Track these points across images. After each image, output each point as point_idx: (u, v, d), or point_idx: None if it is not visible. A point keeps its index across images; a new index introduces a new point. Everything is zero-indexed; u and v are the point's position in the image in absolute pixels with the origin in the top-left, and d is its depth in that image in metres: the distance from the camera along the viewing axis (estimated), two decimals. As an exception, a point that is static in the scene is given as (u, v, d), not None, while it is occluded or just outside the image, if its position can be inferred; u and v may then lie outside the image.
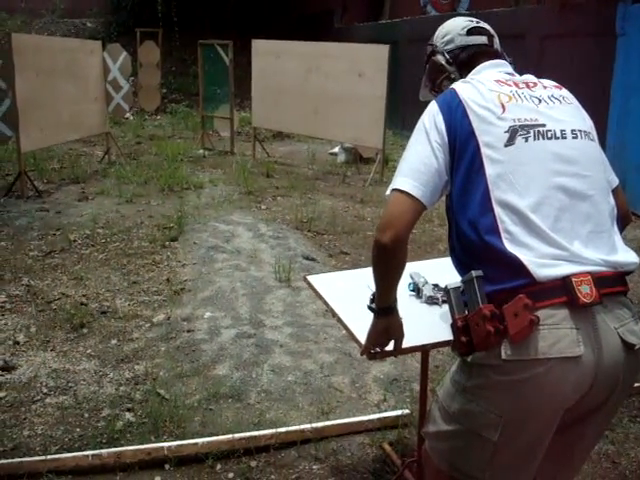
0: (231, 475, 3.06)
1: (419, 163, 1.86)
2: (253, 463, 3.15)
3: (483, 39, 2.18)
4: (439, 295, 2.62)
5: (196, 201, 8.12)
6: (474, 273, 1.72)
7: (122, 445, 3.22)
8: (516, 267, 1.69)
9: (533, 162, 1.81)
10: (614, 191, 1.99)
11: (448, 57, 2.18)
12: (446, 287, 1.82)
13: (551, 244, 1.72)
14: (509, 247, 1.72)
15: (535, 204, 1.75)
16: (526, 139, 1.83)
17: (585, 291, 1.66)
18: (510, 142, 1.82)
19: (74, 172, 9.30)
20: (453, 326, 1.79)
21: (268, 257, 6.02)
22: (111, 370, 3.98)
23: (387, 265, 1.91)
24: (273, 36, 11.69)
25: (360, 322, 2.30)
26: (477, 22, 2.22)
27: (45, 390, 3.73)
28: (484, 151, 1.81)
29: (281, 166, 10.61)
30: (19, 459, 3.07)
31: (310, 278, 2.93)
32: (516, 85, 1.98)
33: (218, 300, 5.03)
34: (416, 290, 2.70)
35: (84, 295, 5.08)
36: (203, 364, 4.05)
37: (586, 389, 1.70)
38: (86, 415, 3.52)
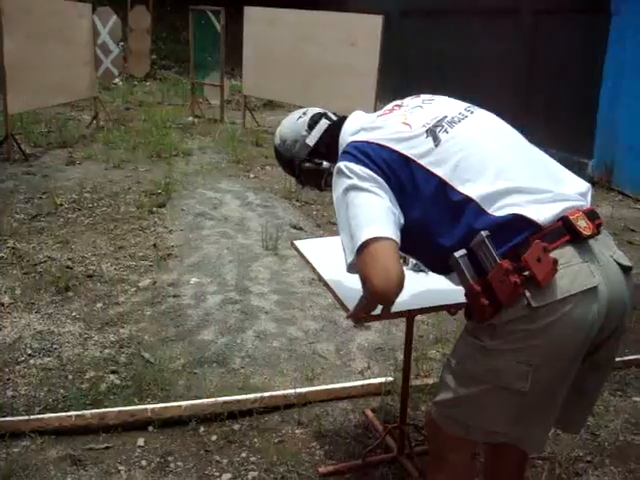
0: (214, 438, 3.08)
1: (371, 210, 1.85)
2: (236, 426, 3.16)
3: (324, 123, 2.29)
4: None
5: (184, 168, 8.08)
6: (483, 233, 1.72)
7: (106, 407, 3.22)
8: (518, 222, 1.73)
9: (466, 144, 1.88)
10: None
11: (313, 159, 2.28)
12: (453, 256, 1.77)
13: (531, 192, 1.78)
14: (500, 213, 1.75)
15: (497, 172, 1.81)
16: (446, 131, 1.91)
17: (583, 225, 1.73)
18: (436, 141, 1.89)
19: (62, 136, 9.23)
20: (470, 293, 1.76)
21: (255, 225, 6.01)
22: (96, 333, 3.97)
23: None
24: (266, 3, 11.55)
25: (346, 287, 2.31)
26: (304, 112, 2.35)
27: (29, 351, 3.73)
28: (422, 162, 1.87)
29: (271, 135, 10.48)
30: (2, 419, 3.07)
31: (297, 243, 2.93)
32: (393, 110, 2.08)
33: (204, 266, 5.02)
34: (402, 257, 2.70)
35: (70, 259, 5.06)
36: (188, 329, 4.06)
37: (604, 316, 1.74)
38: (70, 377, 3.52)
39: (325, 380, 3.58)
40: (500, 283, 1.69)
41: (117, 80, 13.99)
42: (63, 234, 5.59)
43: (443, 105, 2.04)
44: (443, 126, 1.92)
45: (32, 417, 3.07)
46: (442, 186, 1.83)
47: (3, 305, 4.24)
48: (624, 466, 3.02)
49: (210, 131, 10.54)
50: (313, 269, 2.67)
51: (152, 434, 3.09)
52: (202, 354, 3.76)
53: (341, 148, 2.10)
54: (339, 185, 1.94)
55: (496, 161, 1.84)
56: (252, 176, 7.97)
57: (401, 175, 1.87)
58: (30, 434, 2.98)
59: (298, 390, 3.35)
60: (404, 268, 2.64)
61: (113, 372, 3.57)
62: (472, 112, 2.01)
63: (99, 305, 4.33)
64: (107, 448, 2.98)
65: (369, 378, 3.59)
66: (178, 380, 3.51)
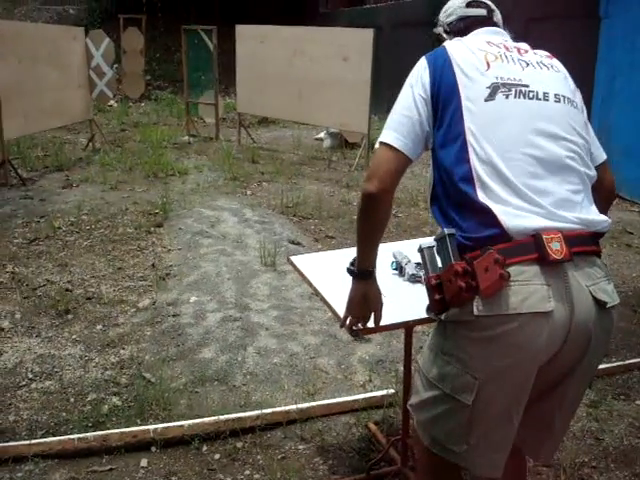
0: (217, 456, 3.07)
1: (401, 116, 1.92)
2: (239, 444, 3.15)
3: (482, 11, 2.24)
4: (422, 273, 2.62)
5: (181, 187, 8.10)
6: (446, 231, 1.75)
7: (108, 429, 3.22)
8: (487, 217, 1.72)
9: (511, 118, 1.84)
10: (600, 166, 2.04)
11: (446, 27, 2.25)
12: (420, 246, 1.84)
13: (523, 198, 1.74)
14: (481, 197, 1.74)
15: (510, 159, 1.78)
16: (507, 96, 1.86)
17: (555, 247, 1.68)
18: (490, 97, 1.85)
19: (58, 159, 9.25)
20: (427, 285, 1.81)
21: (253, 242, 6.01)
22: (96, 355, 3.97)
23: (371, 216, 1.94)
24: (258, 21, 11.63)
25: (344, 301, 2.31)
26: None
27: (30, 375, 3.72)
28: (465, 104, 1.85)
29: (266, 152, 10.59)
30: (4, 443, 3.06)
31: (294, 258, 2.94)
32: (506, 48, 2.01)
33: (204, 284, 5.02)
34: (399, 269, 2.71)
35: (69, 281, 5.06)
36: (189, 348, 4.05)
37: (559, 345, 1.71)
38: (72, 400, 3.51)
39: (327, 394, 3.58)
40: (449, 283, 1.71)
41: (112, 102, 14.03)
42: (62, 257, 5.60)
43: (541, 78, 1.94)
44: (510, 90, 1.87)
45: (34, 441, 3.07)
46: (460, 133, 1.83)
47: (3, 330, 4.24)
48: (629, 470, 3.02)
49: (206, 149, 10.58)
50: (310, 284, 2.68)
51: (155, 454, 3.08)
52: (203, 372, 3.75)
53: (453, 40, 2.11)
54: (412, 71, 2.00)
55: (519, 152, 1.79)
56: (249, 193, 7.99)
57: (445, 101, 1.89)
58: (33, 458, 2.98)
59: (300, 406, 3.35)
60: (400, 279, 2.68)
61: (114, 394, 3.56)
62: (557, 101, 1.91)
63: (99, 327, 4.33)
64: (110, 470, 2.98)
65: (371, 391, 3.58)
66: (180, 399, 3.51)
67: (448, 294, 1.72)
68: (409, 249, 2.82)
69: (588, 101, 8.13)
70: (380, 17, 13.90)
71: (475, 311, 1.68)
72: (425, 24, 2.35)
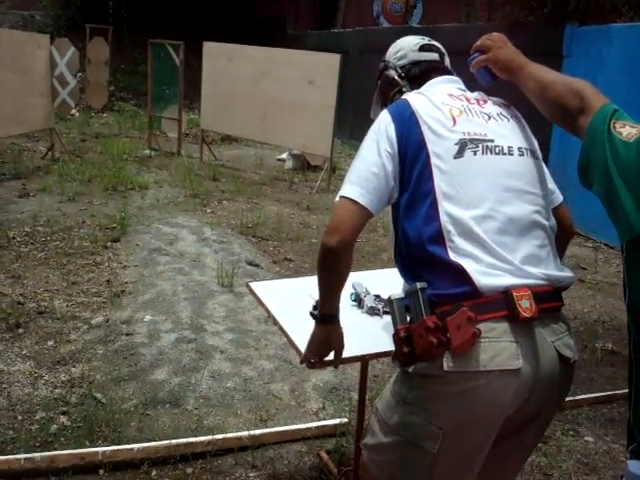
0: (166, 481, 3.03)
1: (366, 171, 1.90)
2: (189, 470, 3.12)
3: (435, 56, 2.24)
4: (380, 306, 2.64)
5: (140, 202, 8.03)
6: (418, 285, 1.75)
7: (56, 449, 3.16)
8: (459, 275, 1.73)
9: (480, 175, 1.86)
10: (558, 207, 2.09)
11: (400, 71, 2.23)
12: (389, 298, 1.85)
13: (494, 255, 1.76)
14: (453, 256, 1.76)
15: (480, 217, 1.80)
16: (475, 152, 1.88)
17: (525, 306, 1.70)
18: (459, 154, 1.86)
19: (16, 167, 9.12)
20: (395, 336, 1.80)
21: (211, 261, 5.98)
22: (47, 372, 3.90)
23: (332, 269, 1.94)
24: (226, 38, 11.64)
25: (301, 331, 2.31)
26: (429, 40, 2.29)
27: (-23, 391, 3.64)
28: (434, 161, 1.85)
29: (228, 170, 10.56)
30: (-53, 462, 2.99)
31: (252, 285, 2.93)
32: (467, 100, 2.03)
33: (159, 303, 4.97)
34: (358, 300, 2.72)
35: (21, 294, 4.97)
36: (141, 368, 4.00)
37: (524, 399, 1.74)
38: (19, 417, 3.44)
39: (279, 421, 3.56)
40: (419, 337, 1.71)
41: (74, 111, 13.87)
42: (15, 269, 5.49)
43: (504, 131, 1.98)
44: (478, 146, 1.89)
45: (-22, 460, 3.00)
46: (430, 191, 1.82)
47: (-49, 342, 4.14)
48: (575, 508, 3.06)
49: (167, 164, 10.51)
50: (268, 312, 2.67)
51: (103, 478, 3.03)
52: (155, 394, 3.71)
53: (422, 88, 2.08)
54: (375, 124, 1.99)
55: (489, 209, 1.81)
56: (209, 211, 7.96)
57: (413, 158, 1.88)
58: (-23, 478, 2.91)
59: (252, 432, 3.33)
60: (358, 311, 2.69)
61: (64, 413, 3.50)
62: (521, 154, 1.95)
63: (50, 343, 4.26)
64: (56, 493, 2.92)
65: (324, 419, 3.58)
66: (130, 421, 3.46)
67: (418, 348, 1.72)
68: (369, 280, 2.83)
69: (547, 138, 8.30)
70: (347, 42, 14.01)
71: (445, 367, 1.69)
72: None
